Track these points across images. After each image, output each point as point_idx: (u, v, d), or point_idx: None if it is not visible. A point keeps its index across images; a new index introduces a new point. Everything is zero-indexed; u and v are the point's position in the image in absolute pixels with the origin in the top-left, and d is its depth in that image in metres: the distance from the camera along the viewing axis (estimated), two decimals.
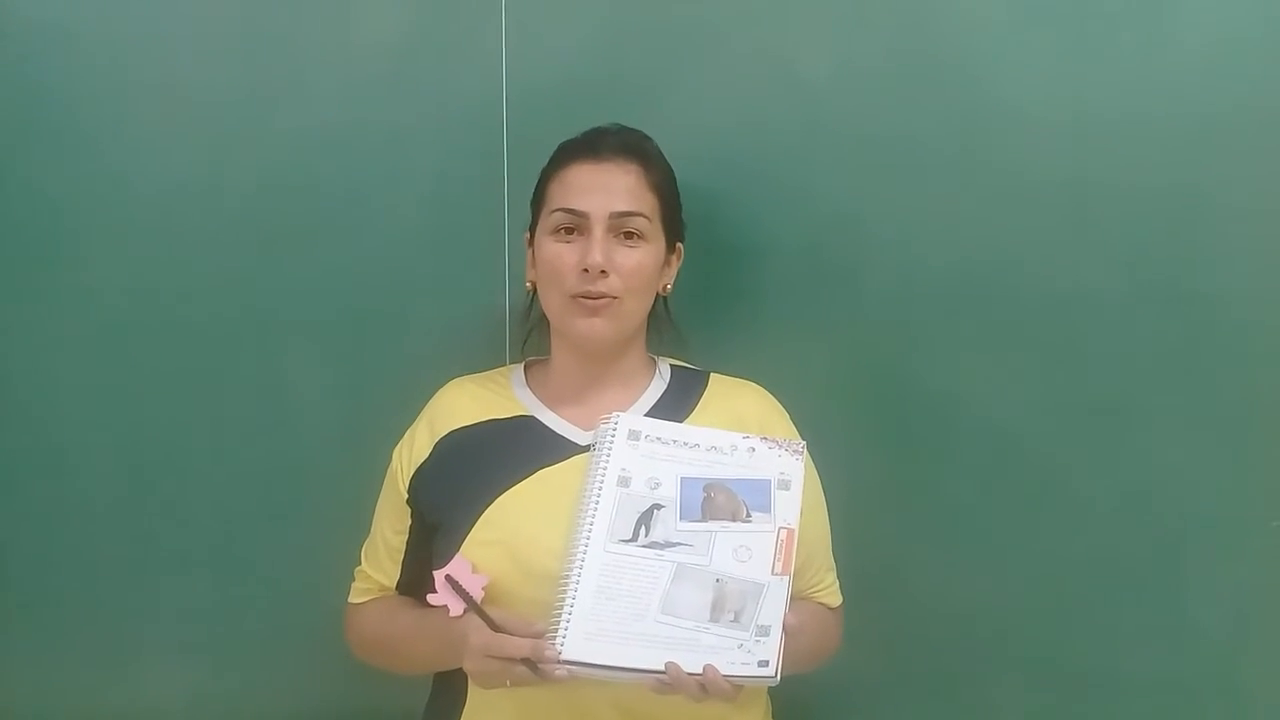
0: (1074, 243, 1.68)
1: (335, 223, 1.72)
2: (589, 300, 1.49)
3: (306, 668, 1.76)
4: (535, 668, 1.35)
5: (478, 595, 1.41)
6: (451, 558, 1.45)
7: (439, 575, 1.43)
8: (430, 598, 1.43)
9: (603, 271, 1.47)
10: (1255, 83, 1.64)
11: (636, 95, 1.67)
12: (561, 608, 1.38)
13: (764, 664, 1.35)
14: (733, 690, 1.34)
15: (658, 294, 1.56)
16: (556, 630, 1.37)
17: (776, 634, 1.36)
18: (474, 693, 1.50)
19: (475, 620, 1.40)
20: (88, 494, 1.77)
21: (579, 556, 1.41)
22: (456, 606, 1.41)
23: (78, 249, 1.73)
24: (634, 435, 1.50)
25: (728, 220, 1.69)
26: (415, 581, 1.53)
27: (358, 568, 1.60)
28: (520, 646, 1.36)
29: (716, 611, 1.39)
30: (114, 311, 1.73)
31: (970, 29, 1.66)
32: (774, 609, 1.38)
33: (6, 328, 1.74)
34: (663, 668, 1.34)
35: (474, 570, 1.43)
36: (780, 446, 1.50)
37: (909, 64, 1.67)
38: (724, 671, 1.33)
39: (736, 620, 1.38)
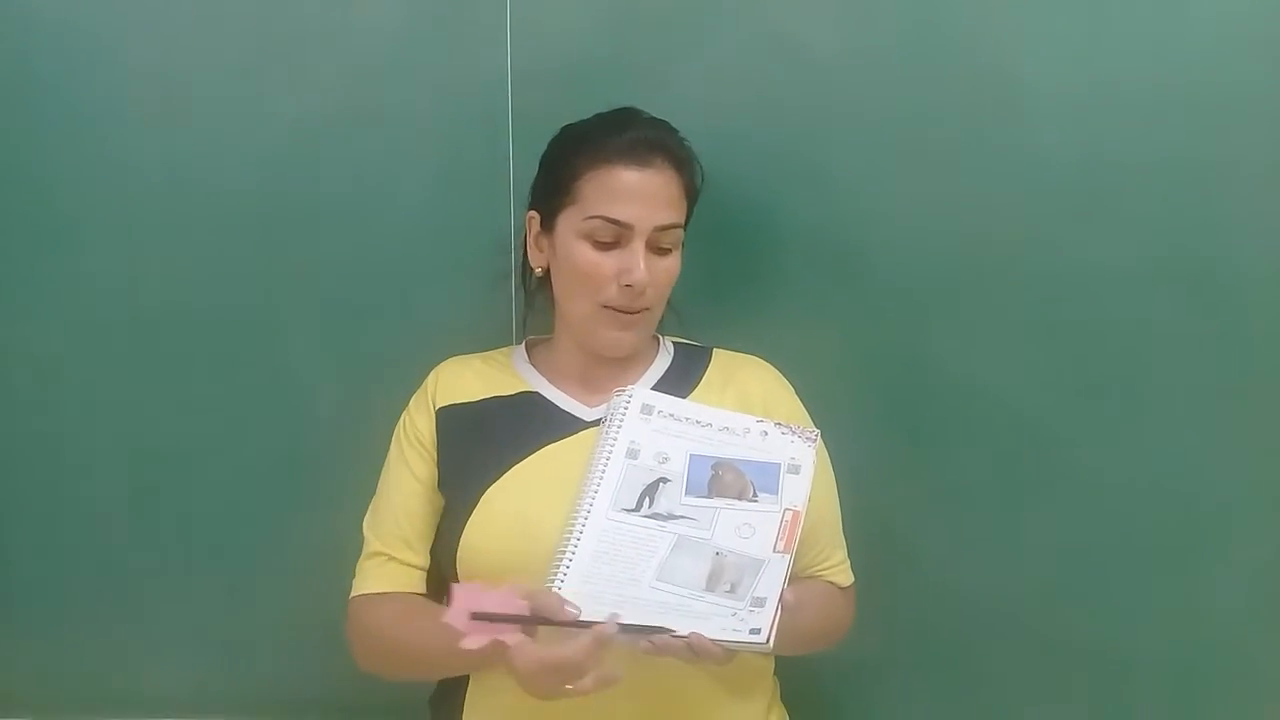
0: (1087, 222, 1.66)
1: (338, 208, 1.70)
2: (624, 314, 1.48)
3: (312, 656, 1.72)
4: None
5: (520, 608, 1.29)
6: (458, 539, 1.44)
7: (459, 621, 1.27)
8: (466, 644, 1.27)
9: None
10: (1270, 58, 1.63)
11: (643, 76, 1.65)
12: (558, 568, 1.36)
13: (756, 631, 1.31)
14: (722, 654, 1.30)
15: None
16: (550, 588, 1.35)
17: (772, 605, 1.32)
18: (475, 675, 1.48)
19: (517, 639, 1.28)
20: (90, 484, 1.76)
21: (580, 520, 1.40)
22: (512, 635, 1.28)
23: (77, 239, 1.72)
24: (647, 409, 1.49)
25: (737, 202, 1.65)
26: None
27: (372, 558, 1.51)
28: (581, 657, 1.25)
29: (713, 582, 1.36)
30: (115, 301, 1.72)
31: (982, 6, 1.65)
32: (772, 583, 1.35)
33: (7, 318, 1.73)
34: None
35: (484, 588, 1.32)
36: (794, 433, 1.49)
37: (920, 43, 1.66)
38: (714, 637, 1.30)
39: (732, 591, 1.35)
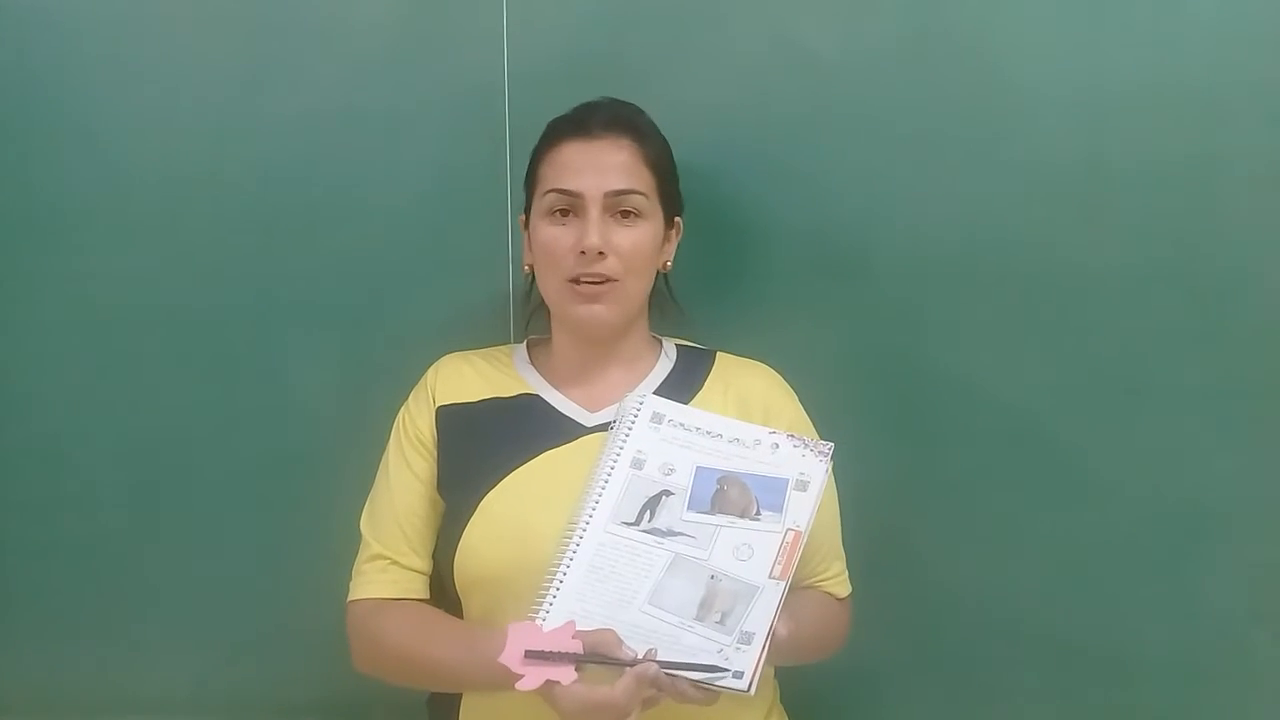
0: (1087, 222, 1.63)
1: (335, 208, 1.69)
2: (588, 285, 1.44)
3: (311, 655, 1.71)
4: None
5: (575, 647, 1.28)
6: (456, 543, 1.43)
7: (514, 660, 1.28)
8: (521, 685, 1.26)
9: (600, 253, 1.43)
10: (1270, 58, 1.59)
11: (640, 75, 1.62)
12: (551, 582, 1.35)
13: (739, 675, 1.28)
14: (704, 697, 1.28)
15: (658, 271, 1.52)
16: (542, 603, 1.34)
17: (759, 644, 1.29)
18: None
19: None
20: (89, 483, 1.75)
21: (578, 533, 1.38)
22: (566, 674, 1.26)
23: (75, 238, 1.70)
24: (657, 418, 1.46)
25: (735, 201, 1.64)
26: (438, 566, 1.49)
27: (372, 562, 1.49)
28: (629, 696, 1.26)
29: (704, 610, 1.33)
30: (113, 300, 1.71)
31: (981, 8, 1.62)
32: (762, 615, 1.31)
33: (5, 318, 1.73)
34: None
35: (537, 626, 1.31)
36: (806, 446, 1.44)
37: (918, 42, 1.62)
38: (696, 676, 1.29)
39: (722, 622, 1.32)
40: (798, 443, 1.45)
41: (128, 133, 1.69)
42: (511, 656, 1.28)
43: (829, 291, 1.67)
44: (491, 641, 1.31)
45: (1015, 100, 1.62)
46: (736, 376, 1.54)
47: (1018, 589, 1.71)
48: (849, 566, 1.55)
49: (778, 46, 1.64)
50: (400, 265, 1.70)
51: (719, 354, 1.57)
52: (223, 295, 1.72)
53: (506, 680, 1.28)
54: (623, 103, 1.51)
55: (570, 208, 1.46)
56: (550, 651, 1.28)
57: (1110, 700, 1.72)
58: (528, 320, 1.62)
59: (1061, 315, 1.65)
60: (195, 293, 1.72)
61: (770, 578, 1.36)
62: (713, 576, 1.37)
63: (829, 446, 1.45)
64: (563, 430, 1.49)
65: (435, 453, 1.50)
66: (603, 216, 1.44)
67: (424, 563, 1.49)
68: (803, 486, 1.42)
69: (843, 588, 1.54)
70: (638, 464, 1.44)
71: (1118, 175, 1.62)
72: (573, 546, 1.38)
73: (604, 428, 1.48)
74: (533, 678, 1.27)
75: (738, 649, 1.31)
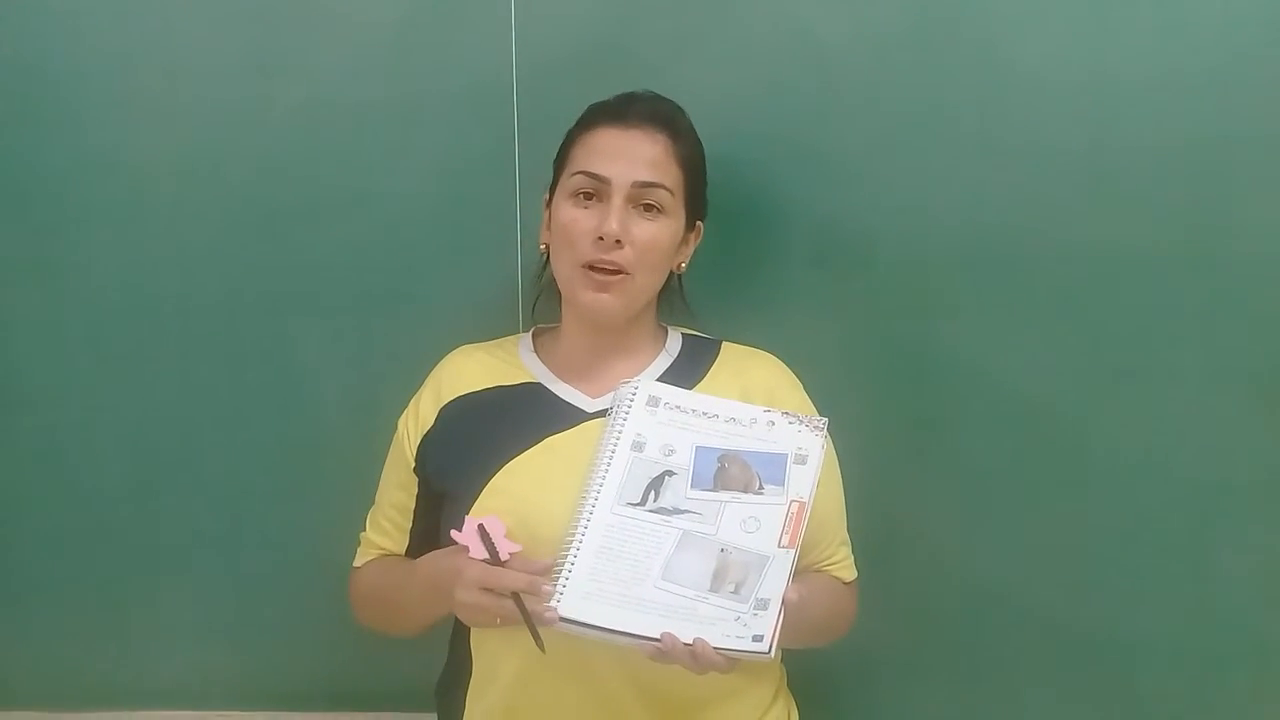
0: (1096, 207, 1.65)
1: (344, 198, 1.69)
2: (599, 273, 1.46)
3: (320, 644, 1.75)
4: (523, 606, 1.34)
5: (504, 554, 1.37)
6: (462, 522, 1.43)
7: (471, 521, 1.39)
8: (454, 534, 1.38)
9: (618, 241, 1.44)
10: (1275, 41, 1.60)
11: (649, 63, 1.64)
12: (562, 565, 1.36)
13: (758, 639, 1.31)
14: (725, 663, 1.31)
15: (672, 271, 1.54)
16: (555, 587, 1.35)
17: (775, 608, 1.32)
18: (478, 660, 1.50)
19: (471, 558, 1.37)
20: (96, 475, 1.76)
21: (585, 516, 1.40)
22: (478, 551, 1.37)
23: (81, 230, 1.71)
24: (653, 401, 1.48)
25: (743, 189, 1.64)
26: (422, 551, 1.51)
27: (362, 534, 1.59)
28: (516, 580, 1.34)
29: (717, 581, 1.36)
30: (119, 292, 1.72)
31: None
32: (776, 582, 1.34)
33: (10, 310, 1.73)
34: (658, 636, 1.31)
35: (507, 534, 1.39)
36: (801, 422, 1.47)
37: (927, 28, 1.64)
38: (717, 644, 1.30)
39: (736, 591, 1.35)
40: (793, 419, 1.48)
41: (134, 123, 1.69)
42: (469, 523, 1.39)
43: (837, 278, 1.69)
44: (431, 558, 1.46)
45: (1024, 86, 1.63)
46: (741, 366, 1.55)
47: (1025, 575, 1.72)
48: (855, 553, 1.56)
49: (785, 34, 1.65)
50: (409, 255, 1.71)
51: (724, 344, 1.58)
52: (230, 285, 1.72)
53: (439, 583, 1.41)
54: (664, 98, 1.52)
55: (595, 192, 1.47)
56: (488, 541, 1.38)
57: (1117, 686, 1.74)
58: (535, 302, 1.63)
59: (1070, 301, 1.67)
60: (203, 283, 1.72)
61: (780, 546, 1.39)
62: (723, 549, 1.39)
63: (824, 421, 1.48)
64: (564, 416, 1.50)
65: (414, 461, 1.54)
66: (625, 206, 1.45)
67: (392, 543, 1.57)
68: (802, 460, 1.45)
69: (848, 572, 1.56)
70: (638, 446, 1.45)
71: (1126, 159, 1.63)
72: (580, 530, 1.40)
73: (604, 413, 1.50)
74: (463, 538, 1.38)
75: (755, 614, 1.33)
